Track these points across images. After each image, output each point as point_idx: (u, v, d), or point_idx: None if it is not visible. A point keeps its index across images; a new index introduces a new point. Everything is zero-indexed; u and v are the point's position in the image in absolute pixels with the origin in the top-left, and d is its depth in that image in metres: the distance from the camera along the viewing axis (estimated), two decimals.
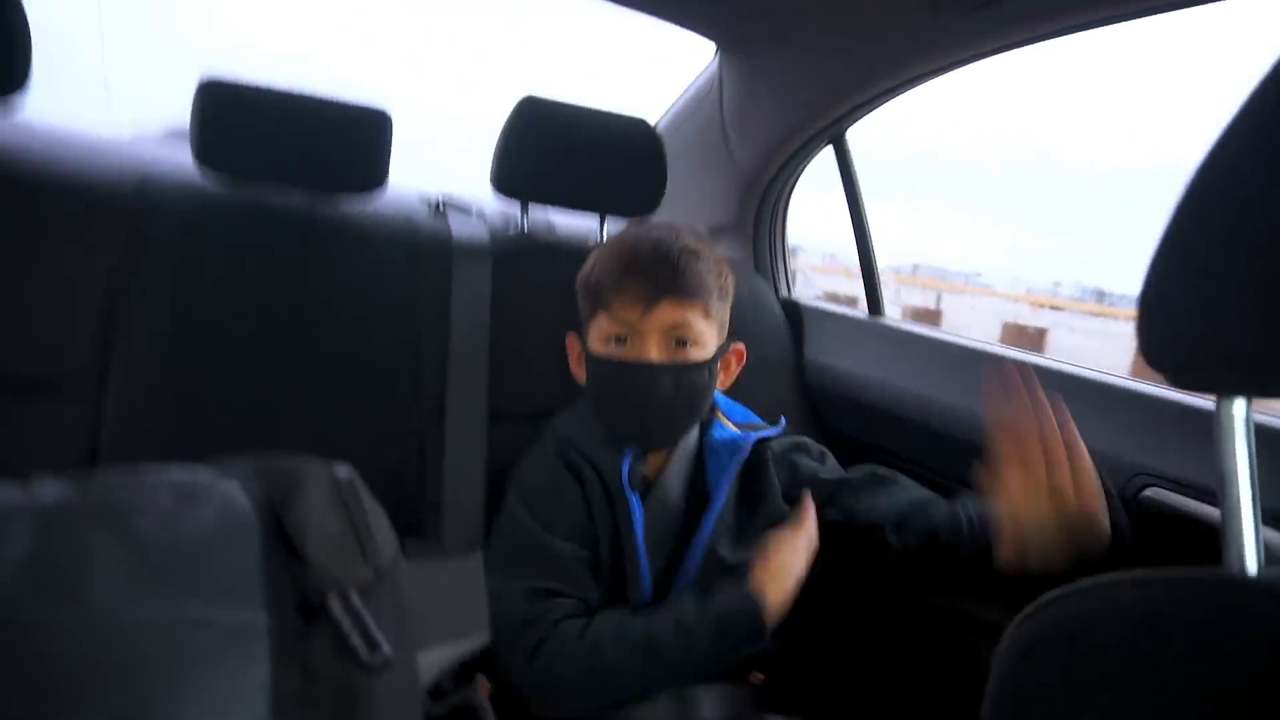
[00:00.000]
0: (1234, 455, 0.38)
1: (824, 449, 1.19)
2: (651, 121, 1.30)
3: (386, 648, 0.33)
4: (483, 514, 1.08)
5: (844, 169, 1.43)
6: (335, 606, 0.34)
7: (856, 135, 1.43)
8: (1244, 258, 0.35)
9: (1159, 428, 0.99)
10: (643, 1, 1.33)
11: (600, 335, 1.02)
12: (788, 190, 1.55)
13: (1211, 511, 0.91)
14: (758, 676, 1.03)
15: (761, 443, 1.09)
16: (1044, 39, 0.99)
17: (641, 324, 0.98)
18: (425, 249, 1.19)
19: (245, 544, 0.35)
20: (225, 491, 0.37)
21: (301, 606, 0.35)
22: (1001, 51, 1.06)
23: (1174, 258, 0.38)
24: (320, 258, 1.11)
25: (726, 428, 1.09)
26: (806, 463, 1.15)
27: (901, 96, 1.28)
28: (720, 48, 1.44)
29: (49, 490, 0.34)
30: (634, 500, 0.99)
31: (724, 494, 1.04)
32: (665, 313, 0.98)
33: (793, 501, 1.08)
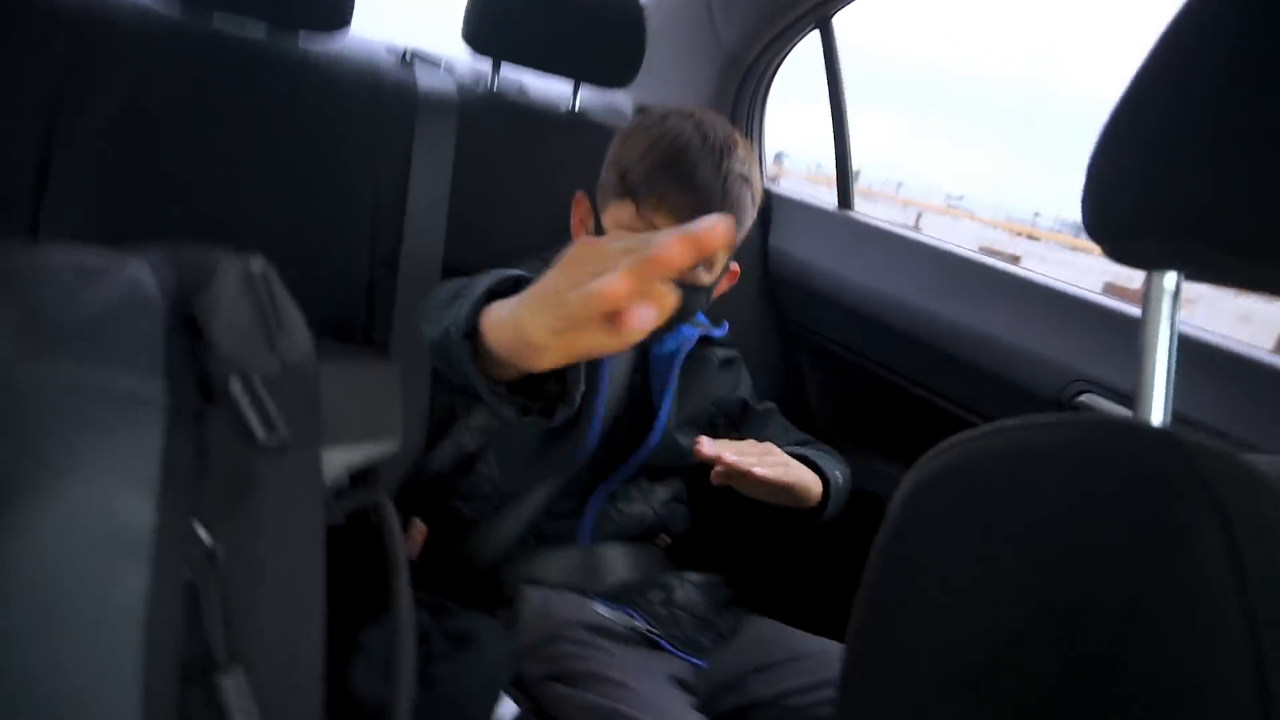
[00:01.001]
0: (1159, 323, 0.40)
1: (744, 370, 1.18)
2: None
3: (284, 430, 0.33)
4: (427, 370, 1.09)
5: (828, 57, 1.38)
6: (235, 387, 0.34)
7: (857, 35, 1.38)
8: (1185, 142, 0.35)
9: (1100, 336, 1.01)
10: None
11: (619, 222, 0.95)
12: (770, 74, 1.51)
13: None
14: (665, 539, 1.07)
15: (705, 342, 1.10)
16: None
17: None
18: (390, 97, 1.14)
19: (148, 320, 0.35)
20: (131, 273, 0.36)
21: (202, 386, 0.35)
22: None
23: (1121, 136, 0.38)
24: (278, 93, 1.07)
25: None
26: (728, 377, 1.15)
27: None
28: None
29: None
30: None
31: (674, 384, 1.05)
32: None
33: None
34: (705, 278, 0.97)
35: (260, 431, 0.33)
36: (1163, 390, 0.39)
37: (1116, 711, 0.24)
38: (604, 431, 1.02)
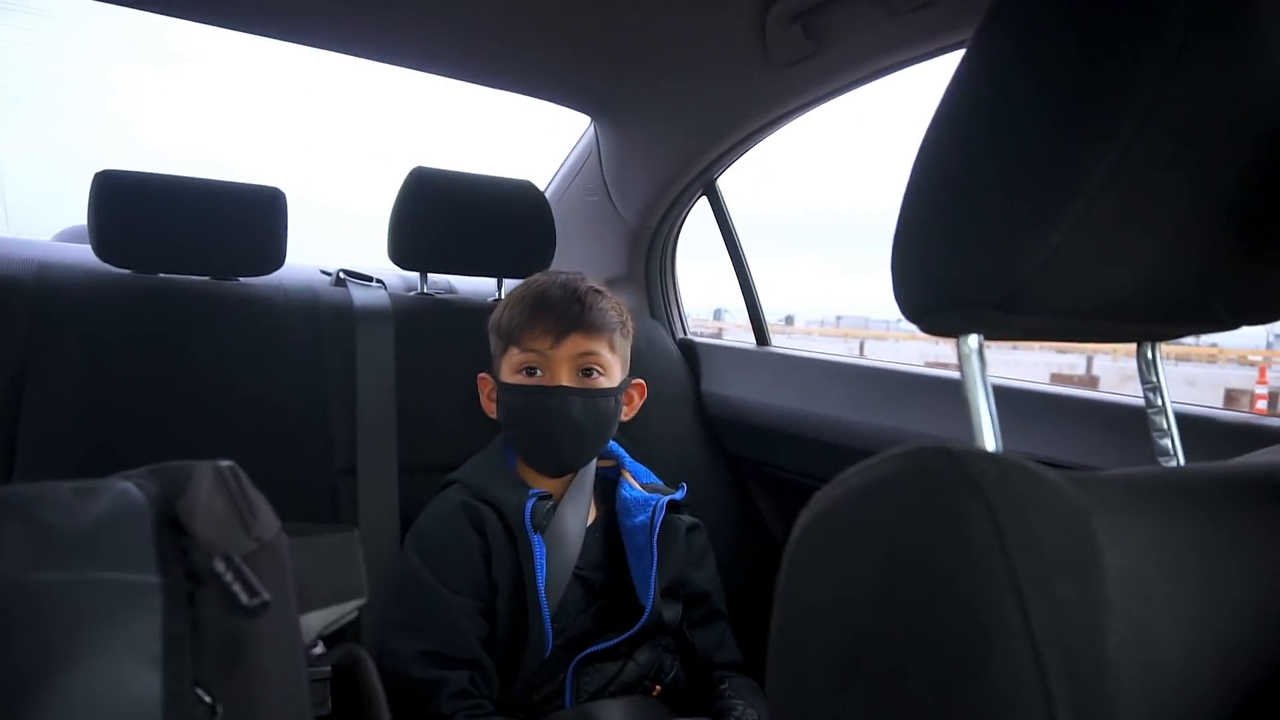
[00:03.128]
0: (974, 377, 0.48)
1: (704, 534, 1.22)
2: (539, 185, 1.40)
3: (265, 593, 0.39)
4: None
5: (719, 214, 1.54)
6: (220, 565, 0.40)
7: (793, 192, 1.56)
8: (957, 229, 0.43)
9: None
10: (517, 83, 1.44)
11: (512, 368, 1.08)
12: (673, 239, 1.66)
13: None
14: (655, 689, 1.08)
15: (671, 507, 1.14)
16: (860, 84, 1.14)
17: (552, 353, 1.06)
18: (328, 316, 1.24)
19: (139, 525, 0.41)
20: (120, 488, 0.43)
21: (191, 573, 0.41)
22: (832, 97, 1.20)
23: (910, 232, 0.46)
24: (223, 331, 1.16)
25: (634, 488, 1.15)
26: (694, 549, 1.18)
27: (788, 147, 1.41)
28: (593, 117, 1.56)
29: None
30: (536, 540, 1.03)
31: (655, 560, 1.08)
32: (574, 344, 1.06)
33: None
34: (603, 381, 1.08)
35: (244, 597, 0.39)
36: (988, 428, 0.47)
37: (933, 649, 0.30)
38: (579, 614, 1.06)
